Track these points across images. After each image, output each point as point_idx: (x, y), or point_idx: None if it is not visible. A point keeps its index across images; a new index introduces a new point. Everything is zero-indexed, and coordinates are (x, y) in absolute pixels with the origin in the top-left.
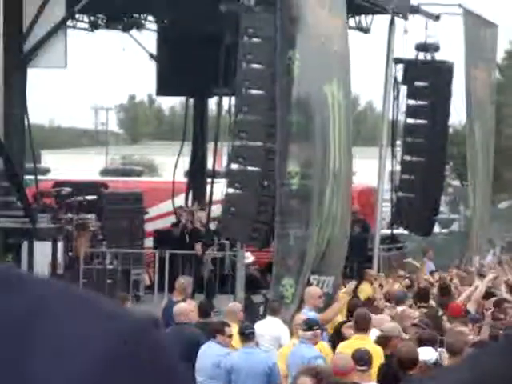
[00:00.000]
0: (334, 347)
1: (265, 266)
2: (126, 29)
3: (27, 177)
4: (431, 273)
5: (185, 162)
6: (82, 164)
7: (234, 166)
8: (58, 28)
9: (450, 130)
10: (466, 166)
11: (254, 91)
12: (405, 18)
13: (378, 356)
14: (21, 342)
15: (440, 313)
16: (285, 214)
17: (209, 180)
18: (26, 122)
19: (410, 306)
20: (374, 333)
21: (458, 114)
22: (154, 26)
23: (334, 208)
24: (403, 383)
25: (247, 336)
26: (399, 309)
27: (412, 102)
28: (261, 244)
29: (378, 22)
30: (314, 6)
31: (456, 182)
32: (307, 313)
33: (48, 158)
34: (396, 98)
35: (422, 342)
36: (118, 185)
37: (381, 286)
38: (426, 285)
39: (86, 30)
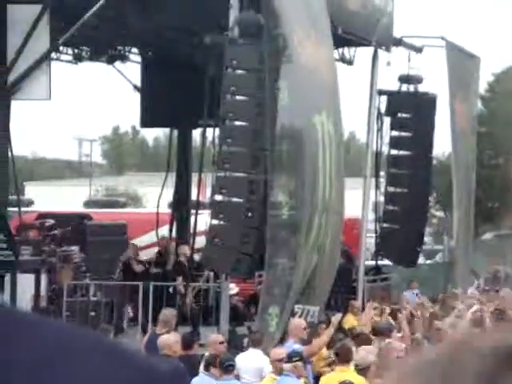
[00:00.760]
0: None
1: (249, 297)
2: (110, 61)
3: (10, 209)
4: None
5: (169, 193)
6: (65, 195)
7: (218, 197)
8: (42, 60)
9: (434, 161)
10: (450, 197)
11: (237, 122)
12: (388, 50)
13: None
14: None
15: (425, 343)
16: (274, 243)
17: (193, 211)
18: (9, 154)
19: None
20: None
21: (441, 145)
22: (138, 58)
23: (322, 237)
24: None
25: (226, 368)
26: (385, 341)
27: (395, 133)
28: (245, 275)
29: (362, 54)
30: (300, 36)
31: (440, 213)
32: (291, 345)
33: (31, 190)
34: (380, 129)
35: None
36: (101, 216)
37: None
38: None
39: (70, 62)
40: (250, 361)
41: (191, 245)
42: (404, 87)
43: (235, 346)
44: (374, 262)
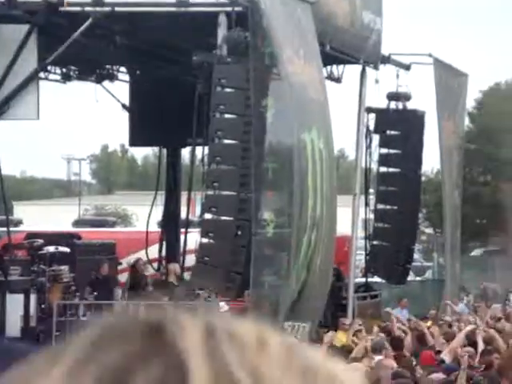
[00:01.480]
0: None
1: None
2: (98, 80)
3: None
4: (408, 320)
5: (158, 212)
6: (54, 215)
7: (208, 216)
8: (30, 80)
9: (423, 178)
10: (439, 214)
11: (226, 141)
12: (376, 67)
13: None
14: None
15: (414, 362)
16: (259, 261)
17: (182, 230)
18: None
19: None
20: None
21: (429, 162)
22: (127, 77)
23: (311, 254)
24: None
25: None
26: (376, 358)
27: (384, 150)
28: (235, 294)
29: (350, 72)
30: (289, 54)
31: (429, 230)
32: None
33: (20, 210)
34: (368, 146)
35: None
36: (90, 235)
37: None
38: (400, 333)
39: (58, 81)
40: None
41: (181, 263)
42: (392, 104)
43: None
44: (363, 280)
